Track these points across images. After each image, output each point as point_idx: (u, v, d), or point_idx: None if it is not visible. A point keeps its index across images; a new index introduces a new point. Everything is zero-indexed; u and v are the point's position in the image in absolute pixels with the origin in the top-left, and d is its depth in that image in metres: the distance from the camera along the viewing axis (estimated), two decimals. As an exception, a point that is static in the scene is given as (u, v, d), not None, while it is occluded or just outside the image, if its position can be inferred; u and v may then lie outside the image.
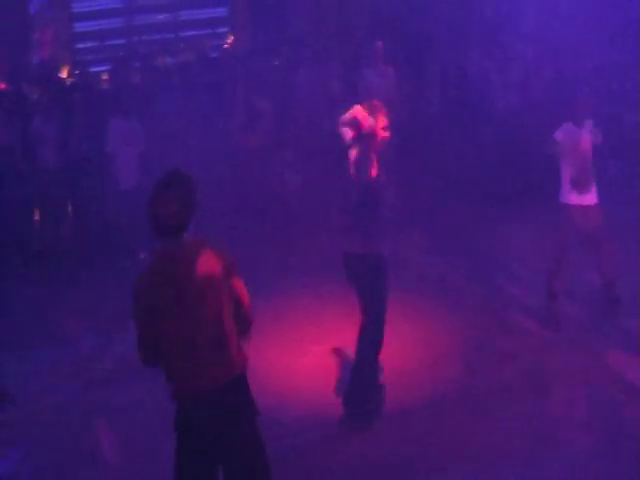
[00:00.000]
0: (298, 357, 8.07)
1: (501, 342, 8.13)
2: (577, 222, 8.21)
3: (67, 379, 8.15)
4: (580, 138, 8.19)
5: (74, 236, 11.58)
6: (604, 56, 12.67)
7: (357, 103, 6.96)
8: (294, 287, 9.70)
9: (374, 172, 6.64)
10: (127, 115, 11.35)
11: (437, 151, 11.98)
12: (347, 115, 6.81)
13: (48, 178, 11.38)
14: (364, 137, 6.64)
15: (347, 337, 7.44)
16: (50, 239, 11.48)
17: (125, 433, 7.02)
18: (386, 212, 6.74)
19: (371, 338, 6.77)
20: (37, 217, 11.73)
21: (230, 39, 17.01)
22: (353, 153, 6.69)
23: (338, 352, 7.97)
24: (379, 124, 6.69)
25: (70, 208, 11.92)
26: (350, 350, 7.29)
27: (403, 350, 7.88)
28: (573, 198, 8.26)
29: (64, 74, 15.04)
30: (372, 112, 6.72)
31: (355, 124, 6.68)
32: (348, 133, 6.77)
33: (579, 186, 8.21)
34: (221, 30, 17.45)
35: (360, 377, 6.81)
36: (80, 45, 16.73)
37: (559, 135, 8.23)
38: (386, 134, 6.72)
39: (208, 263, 4.49)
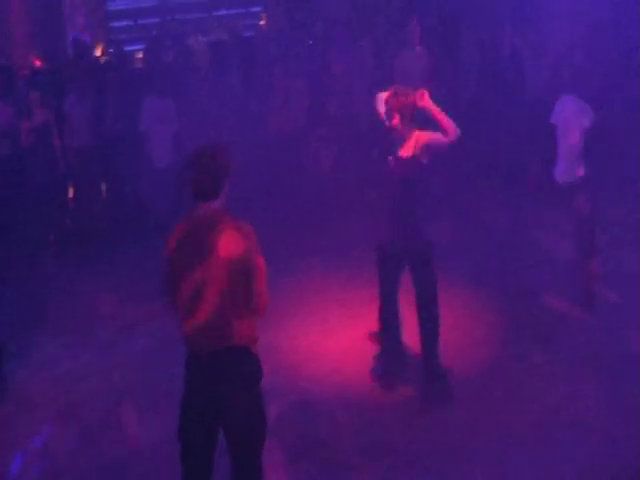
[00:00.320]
0: (325, 340, 8.07)
1: (534, 326, 8.11)
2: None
3: (96, 361, 8.17)
4: None
5: (108, 215, 11.59)
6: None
7: (391, 84, 6.97)
8: (323, 268, 9.69)
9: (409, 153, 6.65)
10: (161, 94, 11.34)
11: (470, 135, 11.86)
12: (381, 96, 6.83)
13: (82, 157, 11.40)
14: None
15: (374, 321, 7.47)
16: (84, 218, 11.50)
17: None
18: (428, 198, 6.75)
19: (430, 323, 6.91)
20: (70, 196, 11.76)
21: (264, 18, 16.96)
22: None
23: (365, 336, 7.95)
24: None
25: (104, 187, 11.94)
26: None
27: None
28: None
29: (98, 53, 15.07)
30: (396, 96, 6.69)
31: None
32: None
33: None
34: (254, 9, 17.39)
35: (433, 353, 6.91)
36: (114, 24, 16.75)
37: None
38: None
39: (227, 236, 4.70)
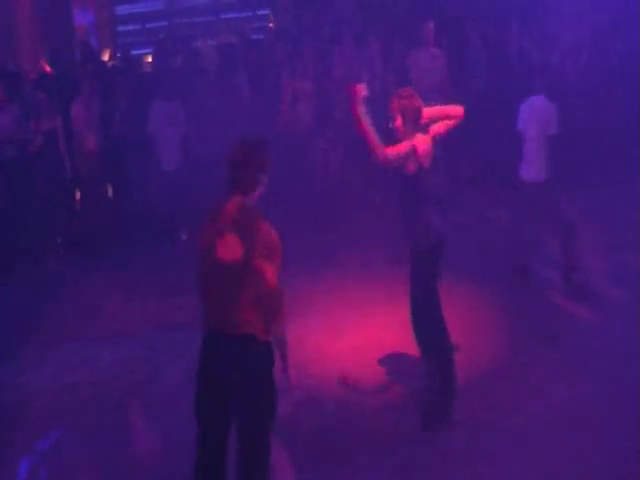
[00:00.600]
0: (331, 339, 8.04)
1: (541, 323, 8.10)
2: None
3: (101, 361, 8.16)
4: None
5: (115, 218, 11.62)
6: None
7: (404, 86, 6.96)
8: (330, 268, 9.69)
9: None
10: (169, 97, 11.37)
11: (475, 135, 11.84)
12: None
13: (89, 160, 11.43)
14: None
15: (385, 321, 7.45)
16: (91, 221, 11.53)
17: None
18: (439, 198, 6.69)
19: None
20: (78, 199, 11.79)
21: (272, 21, 16.98)
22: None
23: (372, 335, 7.94)
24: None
25: (110, 190, 11.97)
26: (388, 334, 7.32)
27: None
28: None
29: (106, 57, 15.11)
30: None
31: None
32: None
33: None
34: (262, 12, 17.42)
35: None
36: (122, 28, 16.78)
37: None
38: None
39: (249, 231, 4.83)
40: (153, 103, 11.39)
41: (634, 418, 6.31)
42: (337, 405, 6.92)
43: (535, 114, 8.57)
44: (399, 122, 6.58)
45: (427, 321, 6.71)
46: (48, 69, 13.25)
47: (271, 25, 17.00)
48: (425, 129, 6.58)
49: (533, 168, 8.59)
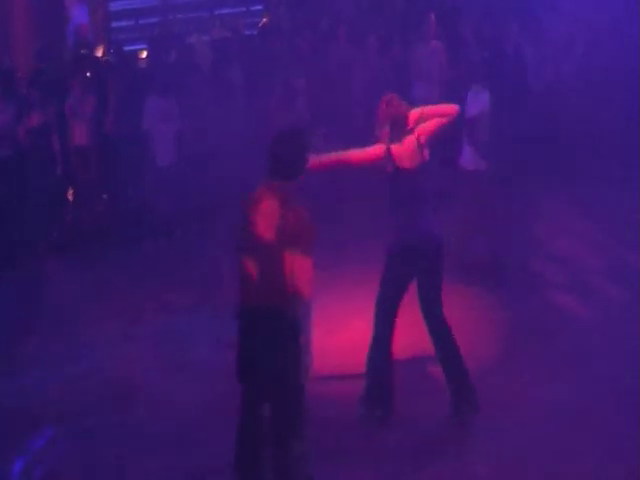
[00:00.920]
0: (330, 335, 8.03)
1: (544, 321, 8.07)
2: None
3: (100, 360, 8.13)
4: None
5: (109, 215, 11.58)
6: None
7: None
8: (328, 263, 9.62)
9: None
10: (163, 93, 11.34)
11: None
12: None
13: (83, 157, 11.38)
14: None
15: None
16: (84, 218, 11.49)
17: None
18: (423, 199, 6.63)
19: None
20: (71, 196, 11.74)
21: (266, 16, 16.91)
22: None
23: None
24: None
25: (104, 187, 11.91)
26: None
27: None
28: None
29: (99, 53, 15.02)
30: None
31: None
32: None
33: None
34: (256, 8, 17.36)
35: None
36: (115, 24, 16.71)
37: None
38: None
39: (286, 215, 5.16)
40: (147, 99, 11.38)
41: (634, 418, 6.32)
42: (335, 403, 6.91)
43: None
44: (386, 130, 6.54)
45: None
46: (41, 65, 13.16)
47: (265, 20, 16.92)
48: (410, 132, 6.54)
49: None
